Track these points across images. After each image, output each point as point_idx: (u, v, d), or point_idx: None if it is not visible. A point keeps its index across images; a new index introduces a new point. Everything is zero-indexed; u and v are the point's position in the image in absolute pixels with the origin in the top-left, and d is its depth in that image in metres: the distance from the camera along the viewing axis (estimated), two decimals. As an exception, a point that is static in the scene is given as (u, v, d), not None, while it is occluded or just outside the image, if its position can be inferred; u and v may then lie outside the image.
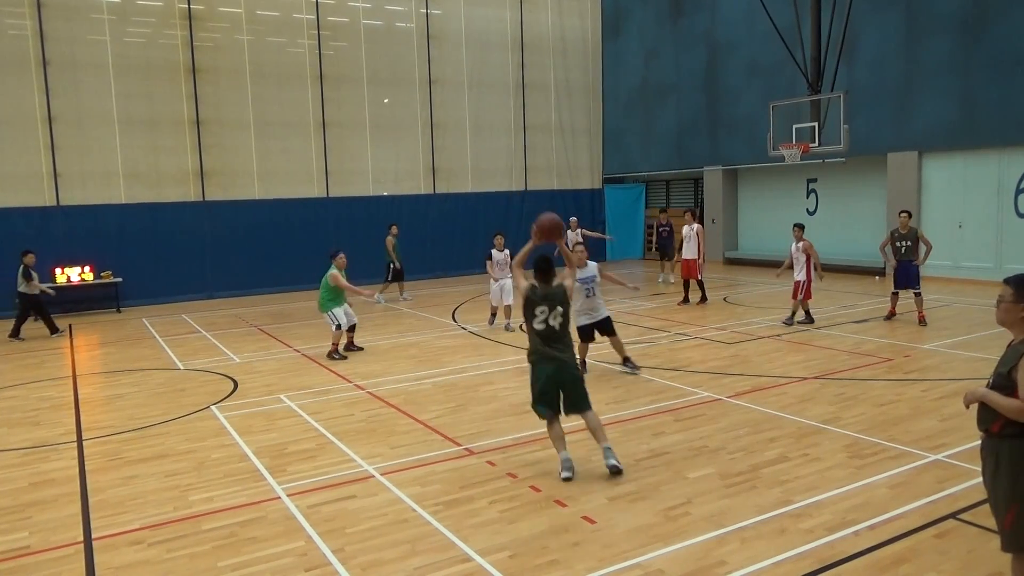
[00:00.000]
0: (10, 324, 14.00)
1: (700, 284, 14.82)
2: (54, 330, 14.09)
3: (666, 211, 18.70)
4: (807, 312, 12.46)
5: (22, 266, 13.88)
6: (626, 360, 9.47)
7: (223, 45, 18.64)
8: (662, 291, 17.30)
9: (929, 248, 12.06)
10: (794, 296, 12.37)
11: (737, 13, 21.55)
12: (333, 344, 11.04)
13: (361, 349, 11.48)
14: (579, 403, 6.15)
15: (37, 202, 16.85)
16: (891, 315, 12.38)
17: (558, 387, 6.11)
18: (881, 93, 18.00)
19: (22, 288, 13.82)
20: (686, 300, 14.91)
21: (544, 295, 6.14)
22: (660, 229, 18.81)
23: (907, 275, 12.07)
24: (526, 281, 6.29)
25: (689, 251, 14.65)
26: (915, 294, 12.03)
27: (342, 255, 11.33)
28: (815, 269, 12.27)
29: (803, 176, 20.84)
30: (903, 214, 12.19)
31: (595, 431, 6.14)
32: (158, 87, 17.87)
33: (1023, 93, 15.41)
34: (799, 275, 12.26)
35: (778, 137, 16.70)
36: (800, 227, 12.54)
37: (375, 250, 20.58)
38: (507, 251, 12.77)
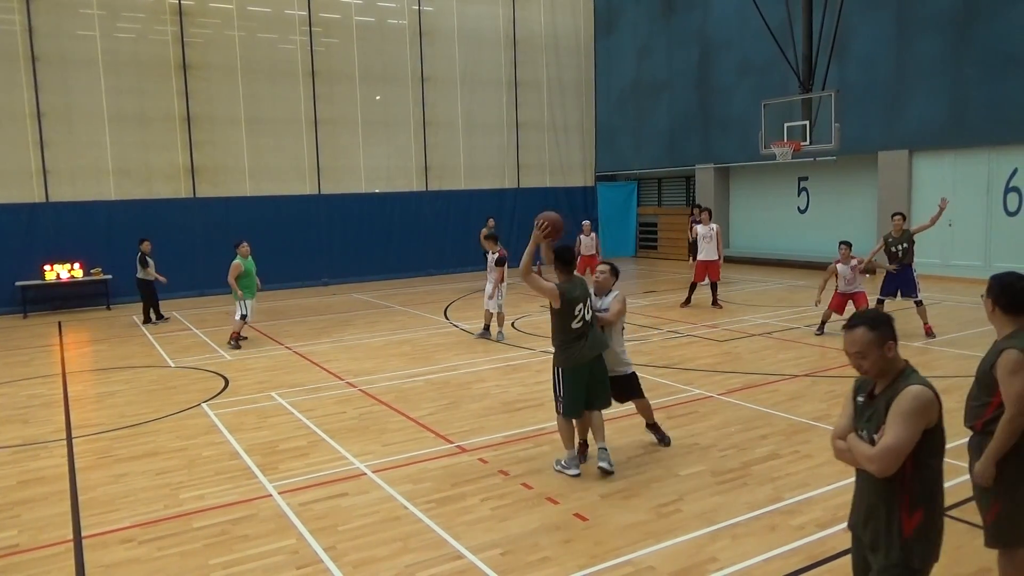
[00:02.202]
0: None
1: (714, 286, 14.35)
2: (148, 320, 14.55)
3: (706, 209, 17.77)
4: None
5: (140, 253, 14.49)
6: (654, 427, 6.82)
7: (214, 41, 18.54)
8: (654, 289, 17.36)
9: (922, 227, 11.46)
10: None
11: (729, 11, 21.59)
12: (234, 332, 11.84)
13: (244, 339, 12.07)
14: (605, 399, 6.07)
15: (26, 198, 16.72)
16: None
17: (588, 386, 5.94)
18: (872, 92, 18.08)
19: (139, 275, 14.50)
20: (688, 302, 14.43)
21: (578, 290, 5.83)
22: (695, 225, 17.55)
23: (900, 280, 11.22)
24: (548, 282, 5.85)
25: (710, 252, 14.22)
26: (916, 304, 11.12)
27: (244, 244, 11.90)
28: (865, 263, 11.43)
29: (794, 175, 20.91)
30: (896, 216, 11.53)
31: (598, 429, 6.07)
32: (148, 83, 17.75)
33: (1013, 92, 15.51)
34: (856, 288, 11.37)
35: (770, 135, 16.75)
36: (847, 245, 11.41)
37: (369, 247, 20.66)
38: (498, 254, 11.59)
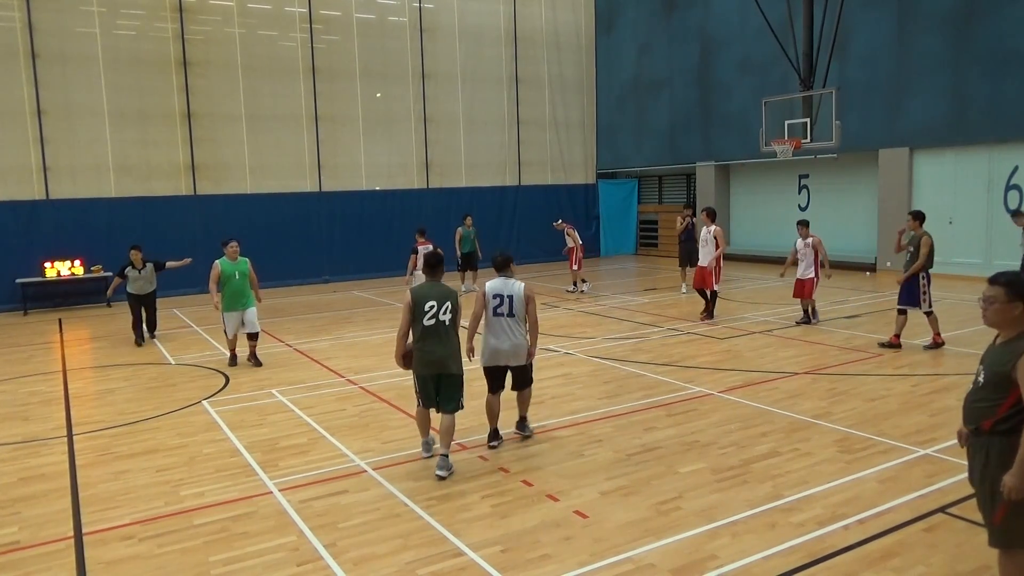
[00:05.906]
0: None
1: (712, 295, 12.64)
2: (140, 338, 12.31)
3: (691, 207, 17.42)
4: (813, 310, 12.10)
5: (128, 263, 12.50)
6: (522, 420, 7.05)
7: (214, 38, 18.54)
8: (652, 287, 17.37)
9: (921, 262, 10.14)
10: (803, 295, 11.91)
11: (730, 9, 21.55)
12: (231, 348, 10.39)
13: (259, 364, 10.22)
14: (447, 404, 6.18)
15: (26, 195, 16.74)
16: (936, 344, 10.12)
17: (436, 385, 6.22)
18: (873, 90, 18.05)
19: (129, 288, 12.45)
20: (709, 313, 12.70)
21: (433, 290, 6.19)
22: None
23: (904, 289, 10.29)
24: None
25: (704, 256, 12.63)
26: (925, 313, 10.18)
27: (231, 244, 10.19)
28: (823, 266, 11.91)
29: (795, 172, 20.89)
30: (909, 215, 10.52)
31: (444, 433, 6.10)
32: (149, 80, 17.76)
33: (1013, 90, 15.49)
34: (807, 272, 11.89)
35: (770, 133, 16.73)
36: (806, 224, 12.09)
37: (370, 244, 20.66)
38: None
